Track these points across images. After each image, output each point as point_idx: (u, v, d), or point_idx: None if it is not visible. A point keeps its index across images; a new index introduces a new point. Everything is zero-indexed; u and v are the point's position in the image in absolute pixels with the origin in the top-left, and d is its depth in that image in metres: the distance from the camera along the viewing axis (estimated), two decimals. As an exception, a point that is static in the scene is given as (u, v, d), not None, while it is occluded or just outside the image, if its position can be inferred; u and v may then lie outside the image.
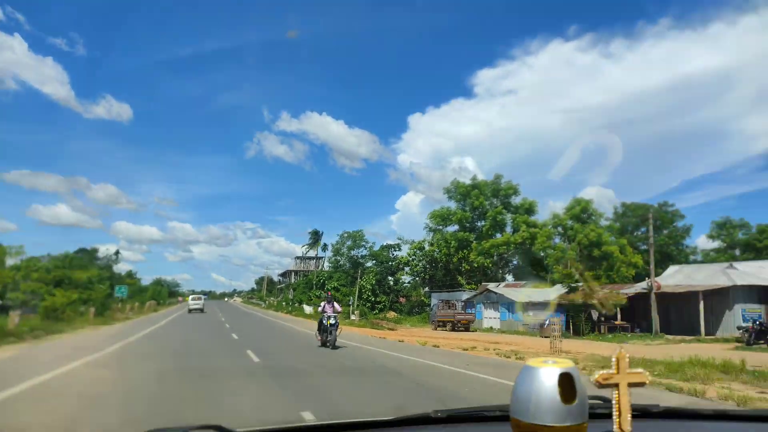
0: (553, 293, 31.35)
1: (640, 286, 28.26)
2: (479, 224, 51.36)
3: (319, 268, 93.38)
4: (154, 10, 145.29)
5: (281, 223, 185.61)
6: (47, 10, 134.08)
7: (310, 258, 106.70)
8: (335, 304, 15.52)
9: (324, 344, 14.93)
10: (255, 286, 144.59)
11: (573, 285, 28.91)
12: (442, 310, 34.17)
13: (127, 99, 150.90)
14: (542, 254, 44.14)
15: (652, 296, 25.09)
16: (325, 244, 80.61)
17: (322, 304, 15.55)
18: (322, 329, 15.06)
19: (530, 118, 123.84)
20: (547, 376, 0.99)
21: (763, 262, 28.91)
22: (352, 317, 40.97)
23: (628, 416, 1.09)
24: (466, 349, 16.74)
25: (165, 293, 79.44)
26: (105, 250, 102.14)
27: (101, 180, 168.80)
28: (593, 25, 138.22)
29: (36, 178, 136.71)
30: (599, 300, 24.59)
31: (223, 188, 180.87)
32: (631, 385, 1.11)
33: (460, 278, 51.30)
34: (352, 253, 69.46)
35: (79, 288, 29.53)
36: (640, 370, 1.14)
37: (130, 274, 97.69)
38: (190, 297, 61.59)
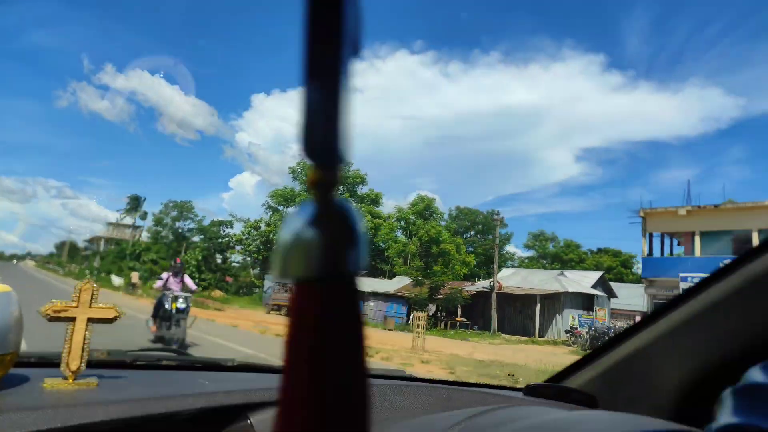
0: (394, 285, 31.01)
1: (481, 285, 29.14)
2: (323, 209, 50.09)
3: (136, 237, 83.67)
4: None
5: (95, 185, 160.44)
6: None
7: (125, 225, 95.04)
8: (186, 278, 10.40)
9: (161, 340, 9.64)
10: (54, 251, 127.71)
11: (419, 278, 28.76)
12: (278, 293, 31.84)
13: None
14: (383, 246, 44.25)
15: (494, 296, 25.84)
16: (145, 212, 71.99)
17: (165, 275, 10.41)
18: (162, 315, 9.90)
19: (373, 119, 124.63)
20: None
21: (585, 273, 32.20)
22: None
23: (81, 353, 1.01)
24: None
25: None
26: None
27: None
28: (436, 44, 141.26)
29: None
30: (445, 295, 24.56)
31: (23, 136, 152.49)
32: (92, 320, 1.03)
33: None
34: (177, 225, 63.13)
35: None
36: (107, 304, 1.05)
37: None
38: None
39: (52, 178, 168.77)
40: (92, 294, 1.03)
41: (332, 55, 0.20)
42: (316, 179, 0.22)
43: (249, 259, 58.23)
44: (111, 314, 1.05)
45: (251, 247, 56.73)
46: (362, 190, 50.80)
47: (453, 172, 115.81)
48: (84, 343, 1.02)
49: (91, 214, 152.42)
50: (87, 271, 62.79)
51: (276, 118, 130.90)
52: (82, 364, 1.03)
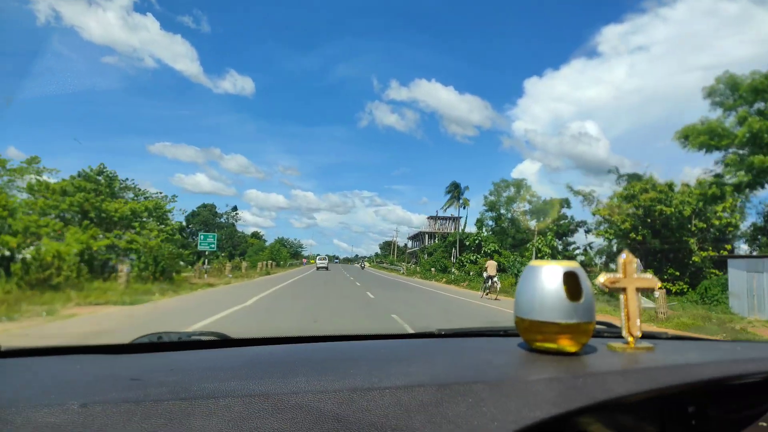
0: None
1: None
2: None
3: (459, 228, 79.29)
4: None
5: (397, 191, 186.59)
6: None
7: (444, 218, 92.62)
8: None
9: None
10: (378, 251, 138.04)
11: None
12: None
13: (249, 73, 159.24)
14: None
15: None
16: (467, 200, 65.16)
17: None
18: None
19: (664, 77, 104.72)
20: (550, 273, 0.98)
21: None
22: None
23: (637, 321, 1.08)
24: None
25: (285, 254, 69.73)
26: (224, 206, 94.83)
27: (232, 151, 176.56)
28: None
29: (176, 149, 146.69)
30: None
31: (340, 158, 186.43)
32: (639, 289, 1.09)
33: (691, 241, 33.89)
34: (513, 206, 53.36)
35: (118, 229, 17.48)
36: (649, 275, 1.11)
37: (256, 235, 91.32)
38: (317, 258, 70.38)
39: (365, 189, 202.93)
40: (634, 265, 1.10)
41: None
42: None
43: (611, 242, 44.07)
44: (654, 284, 1.11)
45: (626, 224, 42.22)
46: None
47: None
48: (638, 310, 1.08)
49: (398, 217, 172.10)
50: (431, 268, 58.95)
51: (551, 99, 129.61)
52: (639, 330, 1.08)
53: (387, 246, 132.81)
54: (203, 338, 1.37)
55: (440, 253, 68.02)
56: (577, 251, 46.02)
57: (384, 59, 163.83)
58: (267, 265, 49.87)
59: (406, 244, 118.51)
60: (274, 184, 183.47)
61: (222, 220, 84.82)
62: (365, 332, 1.52)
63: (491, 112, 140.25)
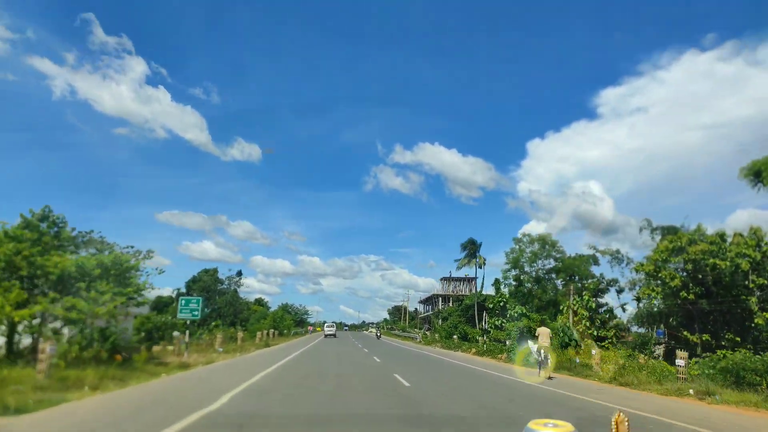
0: None
1: None
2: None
3: (475, 290, 74.07)
4: (274, 59, 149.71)
5: (403, 254, 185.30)
6: (185, 63, 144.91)
7: (458, 279, 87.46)
8: None
9: None
10: (387, 317, 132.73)
11: None
12: None
13: (256, 140, 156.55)
14: None
15: None
16: (483, 259, 60.26)
17: None
18: None
19: (664, 137, 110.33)
20: None
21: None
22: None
23: None
24: None
25: (288, 321, 63.85)
26: (227, 270, 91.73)
27: (239, 218, 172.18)
28: (735, 32, 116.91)
29: (184, 217, 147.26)
30: None
31: (346, 222, 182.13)
32: None
33: (751, 300, 29.43)
34: (537, 264, 48.88)
35: (57, 291, 12.75)
36: None
37: (260, 301, 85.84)
38: (325, 325, 70.67)
39: (372, 254, 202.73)
40: (626, 424, 1.06)
41: None
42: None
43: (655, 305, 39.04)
44: None
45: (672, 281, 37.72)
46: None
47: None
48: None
49: (404, 281, 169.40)
50: (454, 336, 53.27)
51: (554, 160, 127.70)
52: None
53: (396, 311, 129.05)
54: None
55: (456, 317, 62.55)
56: (614, 313, 40.80)
57: (388, 124, 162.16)
58: (268, 334, 44.57)
59: (416, 309, 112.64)
60: (280, 250, 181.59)
61: (225, 286, 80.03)
62: None
63: (495, 173, 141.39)
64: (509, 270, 47.36)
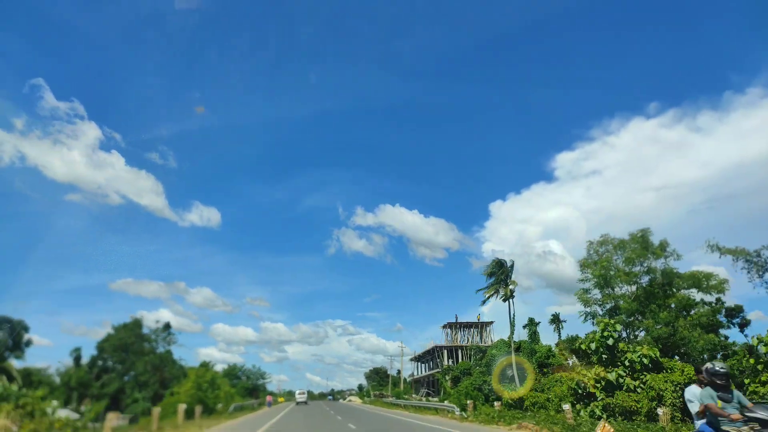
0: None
1: None
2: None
3: (489, 337, 55.31)
4: (232, 122, 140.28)
5: (370, 318, 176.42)
6: (140, 127, 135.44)
7: (467, 325, 68.29)
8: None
9: None
10: (364, 383, 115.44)
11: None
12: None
13: (215, 204, 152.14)
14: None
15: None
16: (515, 283, 41.55)
17: None
18: None
19: (620, 198, 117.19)
20: None
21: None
22: None
23: None
24: None
25: (227, 389, 42.68)
26: (154, 322, 69.08)
27: (198, 284, 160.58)
28: (676, 101, 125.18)
29: (139, 285, 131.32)
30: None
31: (310, 287, 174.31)
32: None
33: None
34: (641, 280, 31.20)
35: None
36: None
37: (205, 365, 64.36)
38: (297, 393, 68.44)
39: (338, 318, 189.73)
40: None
41: None
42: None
43: None
44: None
45: None
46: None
47: (734, 238, 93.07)
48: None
49: (372, 346, 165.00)
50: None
51: (516, 221, 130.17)
52: None
53: (375, 374, 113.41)
54: None
55: (478, 375, 43.29)
56: None
57: (348, 187, 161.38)
58: (184, 412, 24.58)
59: (399, 371, 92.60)
60: (242, 317, 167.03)
61: (153, 344, 57.67)
62: None
63: (458, 233, 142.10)
64: (587, 291, 29.10)
